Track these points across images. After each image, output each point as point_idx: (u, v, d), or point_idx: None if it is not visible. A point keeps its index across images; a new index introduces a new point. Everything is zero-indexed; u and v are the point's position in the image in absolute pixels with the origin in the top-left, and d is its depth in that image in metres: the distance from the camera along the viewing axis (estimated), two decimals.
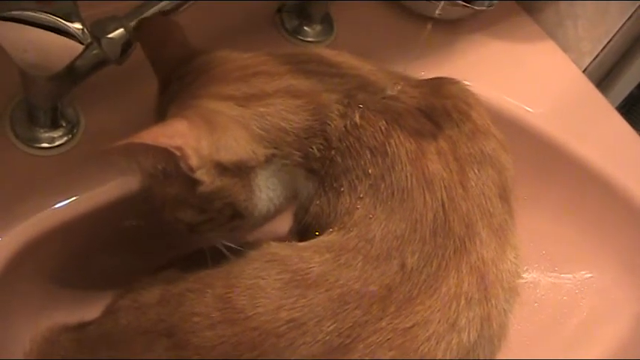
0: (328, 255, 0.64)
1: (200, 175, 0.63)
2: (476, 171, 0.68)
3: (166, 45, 0.74)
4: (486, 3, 1.06)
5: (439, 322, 0.63)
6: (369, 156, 0.67)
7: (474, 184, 0.68)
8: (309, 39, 1.01)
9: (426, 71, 0.91)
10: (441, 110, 0.70)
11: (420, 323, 0.62)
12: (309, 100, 0.67)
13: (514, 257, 0.69)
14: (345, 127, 0.68)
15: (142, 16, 0.75)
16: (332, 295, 0.61)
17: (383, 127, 0.67)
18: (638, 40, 1.14)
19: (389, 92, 0.70)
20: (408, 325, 0.62)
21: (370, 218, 0.65)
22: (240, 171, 0.66)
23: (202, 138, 0.62)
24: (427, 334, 0.62)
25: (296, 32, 1.00)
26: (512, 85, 1.05)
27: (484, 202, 0.68)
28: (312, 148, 0.68)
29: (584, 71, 1.12)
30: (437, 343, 0.62)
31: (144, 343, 0.64)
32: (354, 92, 0.69)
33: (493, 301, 0.65)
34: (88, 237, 0.83)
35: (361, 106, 0.68)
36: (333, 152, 0.68)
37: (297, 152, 0.68)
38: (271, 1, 0.99)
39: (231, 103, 0.66)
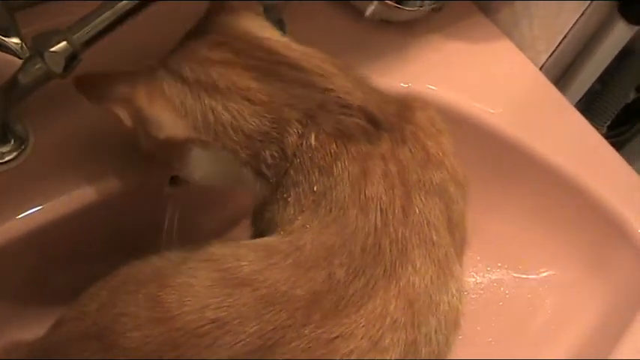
0: (261, 253, 0.65)
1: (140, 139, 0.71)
2: (422, 198, 0.69)
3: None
4: (427, 3, 1.05)
5: (362, 338, 0.63)
6: (317, 174, 0.69)
7: (417, 210, 0.69)
8: None
9: (381, 75, 0.91)
10: (399, 134, 0.71)
11: (344, 336, 0.62)
12: (269, 110, 0.69)
13: (456, 290, 0.69)
14: (301, 145, 0.69)
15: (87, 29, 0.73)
16: (258, 295, 0.62)
17: (333, 150, 0.68)
18: (592, 37, 1.15)
19: (349, 111, 0.70)
20: (331, 336, 0.62)
21: (306, 229, 0.67)
22: (179, 145, 0.70)
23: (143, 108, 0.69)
24: (349, 349, 0.62)
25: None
26: (470, 87, 1.05)
27: (427, 231, 0.68)
28: (265, 152, 0.69)
29: (540, 69, 1.12)
30: (357, 358, 0.63)
31: (78, 349, 0.64)
32: (315, 112, 0.69)
33: (423, 329, 0.66)
34: (47, 250, 0.83)
35: (318, 128, 0.69)
36: (287, 165, 0.69)
37: (246, 150, 0.69)
38: None
39: (183, 84, 0.69)
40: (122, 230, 0.89)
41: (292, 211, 0.69)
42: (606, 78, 1.28)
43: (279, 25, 0.96)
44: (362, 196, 0.67)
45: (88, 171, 0.82)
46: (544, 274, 1.07)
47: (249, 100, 0.68)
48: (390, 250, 0.66)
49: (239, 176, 0.72)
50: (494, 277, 1.08)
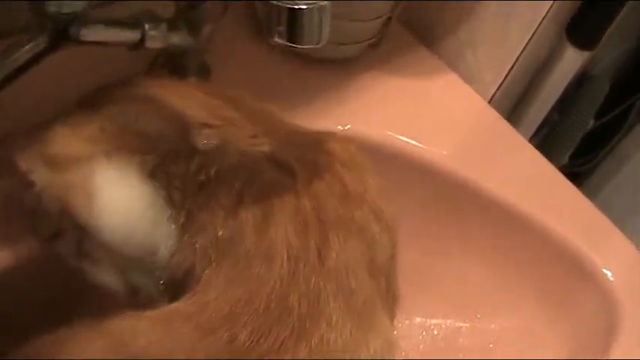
0: (162, 321, 0.59)
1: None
2: (341, 239, 0.62)
3: None
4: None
5: None
6: (222, 216, 0.62)
7: (335, 254, 0.62)
8: None
9: (316, 118, 0.90)
10: (311, 166, 0.65)
11: None
12: (174, 119, 0.63)
13: (380, 344, 0.62)
14: (200, 178, 0.63)
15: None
16: None
17: (236, 186, 0.62)
18: (543, 64, 1.11)
19: (254, 141, 0.65)
20: None
21: (212, 284, 0.61)
22: (74, 167, 0.61)
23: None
24: None
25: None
26: (415, 126, 1.00)
27: (344, 278, 0.62)
28: (172, 168, 0.63)
29: (489, 102, 1.07)
30: None
31: None
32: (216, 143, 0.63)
33: None
34: None
35: (221, 160, 0.63)
36: (189, 202, 0.63)
37: (151, 158, 0.62)
38: (142, 57, 0.89)
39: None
40: (40, 298, 0.82)
41: (200, 263, 0.62)
42: (562, 107, 1.24)
43: (202, 69, 0.92)
44: (266, 241, 0.61)
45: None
46: (504, 321, 1.02)
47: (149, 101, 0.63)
48: (300, 305, 0.60)
49: (154, 210, 0.64)
50: (449, 326, 1.02)
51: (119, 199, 0.63)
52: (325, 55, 0.99)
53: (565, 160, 1.35)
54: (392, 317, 0.68)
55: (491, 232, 1.01)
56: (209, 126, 0.65)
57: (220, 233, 0.62)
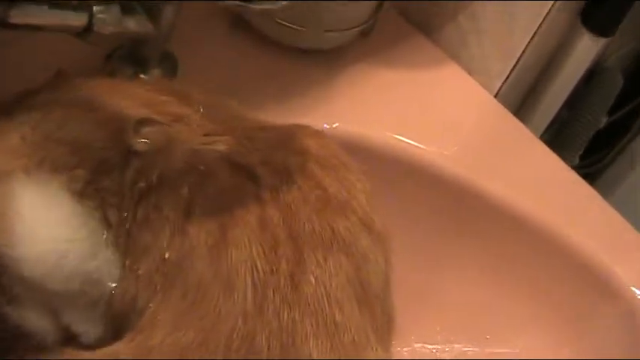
0: None
1: None
2: (320, 259, 0.52)
3: None
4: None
5: None
6: (167, 234, 0.52)
7: (313, 279, 0.51)
8: None
9: (300, 116, 0.82)
10: (280, 167, 0.54)
11: None
12: (107, 121, 0.53)
13: None
14: (139, 186, 0.52)
15: None
16: None
17: (184, 196, 0.52)
18: (554, 54, 1.03)
19: (206, 140, 0.54)
20: None
21: (158, 322, 0.51)
22: None
23: None
24: None
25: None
26: (412, 124, 0.91)
27: (326, 309, 0.51)
28: (105, 180, 0.52)
29: (495, 96, 0.99)
30: None
31: None
32: (157, 143, 0.54)
33: None
34: None
35: (165, 162, 0.52)
36: (129, 220, 0.52)
37: (82, 171, 0.52)
38: (97, 48, 0.79)
39: None
40: None
41: (145, 293, 0.52)
42: (572, 103, 1.16)
43: (167, 59, 0.83)
44: (224, 266, 0.50)
45: None
46: (516, 344, 0.92)
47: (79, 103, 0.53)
48: (270, 346, 0.49)
49: (86, 234, 0.52)
50: (454, 350, 0.93)
51: (41, 224, 0.51)
52: (309, 44, 0.91)
53: (576, 161, 1.26)
54: (387, 348, 0.57)
55: (501, 243, 0.93)
56: (149, 122, 0.54)
57: (167, 255, 0.51)
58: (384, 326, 0.56)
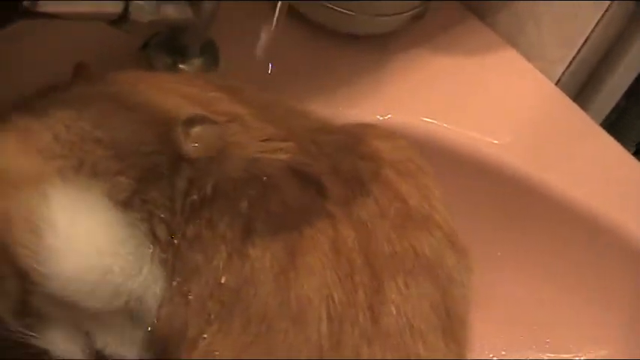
0: None
1: None
2: (401, 285, 0.47)
3: None
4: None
5: None
6: (224, 255, 0.46)
7: (394, 309, 0.46)
8: None
9: (349, 107, 0.80)
10: (350, 177, 0.49)
11: None
12: (153, 120, 0.48)
13: None
14: (192, 198, 0.46)
15: None
16: None
17: (244, 211, 0.46)
18: (619, 39, 0.97)
19: (267, 146, 0.49)
20: None
21: (214, 356, 0.46)
22: (16, 190, 0.45)
23: None
24: None
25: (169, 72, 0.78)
26: (466, 112, 0.88)
27: (410, 343, 0.46)
28: (155, 195, 0.47)
29: (556, 83, 0.95)
30: None
31: None
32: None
33: None
34: None
35: (220, 170, 0.47)
36: (179, 236, 0.46)
37: (126, 179, 0.46)
38: (134, 37, 0.76)
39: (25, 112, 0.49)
40: None
41: (195, 320, 0.46)
42: (632, 90, 1.10)
43: (209, 48, 0.80)
44: (293, 295, 0.45)
45: None
46: (585, 353, 0.88)
47: (118, 102, 0.49)
48: None
49: (130, 248, 0.47)
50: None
51: (81, 236, 0.46)
52: (359, 29, 0.88)
53: (632, 150, 1.18)
54: None
55: (562, 239, 0.89)
56: (201, 121, 0.48)
57: (223, 280, 0.46)
58: (466, 354, 0.51)
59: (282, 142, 0.50)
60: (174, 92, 0.52)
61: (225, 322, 0.46)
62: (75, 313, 0.48)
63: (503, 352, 0.89)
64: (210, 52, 0.80)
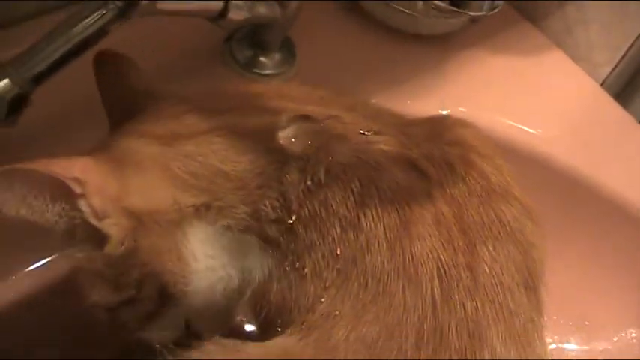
0: None
1: (106, 225, 0.50)
2: (491, 249, 0.51)
3: (117, 85, 0.61)
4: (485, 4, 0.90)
5: None
6: (338, 230, 0.50)
7: (487, 268, 0.50)
8: (268, 71, 0.83)
9: (413, 100, 0.82)
10: (442, 162, 0.53)
11: None
12: (259, 139, 0.52)
13: None
14: (306, 185, 0.50)
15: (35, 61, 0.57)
16: None
17: (356, 190, 0.50)
18: None
19: (366, 138, 0.53)
20: None
21: (336, 317, 0.49)
22: (162, 227, 0.51)
23: (109, 176, 0.51)
24: None
25: (250, 65, 0.83)
26: (517, 107, 0.91)
27: (501, 296, 0.50)
28: (266, 206, 0.51)
29: (601, 84, 0.97)
30: None
31: None
32: (320, 140, 0.52)
33: None
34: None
35: (329, 157, 0.51)
36: (293, 218, 0.51)
37: (244, 207, 0.51)
38: (217, 31, 0.79)
39: (153, 141, 0.53)
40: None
41: (312, 289, 0.50)
42: None
43: (286, 45, 0.84)
44: (408, 259, 0.49)
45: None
46: (628, 336, 0.90)
47: (236, 133, 0.52)
48: (459, 337, 0.48)
49: (249, 255, 0.53)
50: (567, 346, 0.90)
51: (210, 259, 0.53)
52: (422, 29, 0.91)
53: None
54: (544, 337, 0.56)
55: (604, 230, 0.91)
56: (299, 119, 0.53)
57: (339, 251, 0.50)
58: (542, 312, 0.55)
59: (379, 135, 0.54)
60: (269, 102, 0.56)
61: (343, 287, 0.49)
62: (189, 313, 0.55)
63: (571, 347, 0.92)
64: (287, 48, 0.85)
